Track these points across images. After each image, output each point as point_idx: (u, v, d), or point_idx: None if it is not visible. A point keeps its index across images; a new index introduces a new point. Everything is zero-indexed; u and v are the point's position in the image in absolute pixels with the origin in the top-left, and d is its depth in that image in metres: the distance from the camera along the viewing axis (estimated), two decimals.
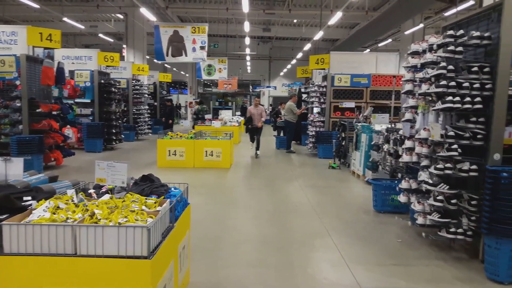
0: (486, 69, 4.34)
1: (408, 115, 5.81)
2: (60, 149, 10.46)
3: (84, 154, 12.49)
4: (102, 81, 13.94)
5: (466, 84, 4.36)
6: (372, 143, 8.38)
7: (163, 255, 2.74)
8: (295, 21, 24.68)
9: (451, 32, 4.60)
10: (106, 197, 3.20)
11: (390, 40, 25.22)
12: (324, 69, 13.48)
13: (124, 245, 2.49)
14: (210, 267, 4.24)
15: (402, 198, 5.56)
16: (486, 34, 4.36)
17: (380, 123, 8.86)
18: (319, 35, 19.41)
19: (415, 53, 5.50)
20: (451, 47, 4.53)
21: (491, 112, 4.24)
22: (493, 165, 4.13)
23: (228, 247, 4.86)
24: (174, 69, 37.62)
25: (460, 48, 4.53)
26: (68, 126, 12.56)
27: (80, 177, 5.02)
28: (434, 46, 4.88)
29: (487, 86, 4.30)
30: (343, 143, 10.91)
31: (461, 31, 4.58)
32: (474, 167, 4.34)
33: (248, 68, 35.50)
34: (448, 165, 4.46)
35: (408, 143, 5.50)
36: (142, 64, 19.20)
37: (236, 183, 8.96)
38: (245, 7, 15.33)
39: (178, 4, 20.96)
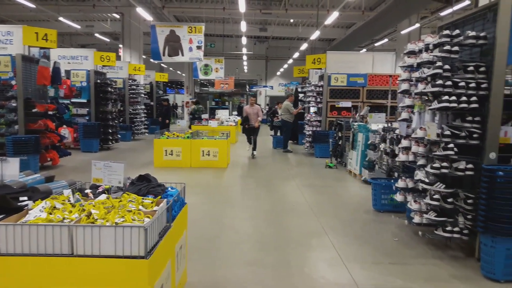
0: (482, 69, 4.36)
1: (404, 115, 5.83)
2: (56, 149, 10.42)
3: (80, 154, 12.45)
4: (98, 81, 13.89)
5: (462, 84, 4.38)
6: (369, 142, 8.40)
7: (160, 255, 2.73)
8: (291, 20, 24.68)
9: (447, 32, 4.62)
10: (103, 197, 3.19)
11: (386, 39, 25.26)
12: (320, 68, 13.49)
13: (121, 245, 2.49)
14: (207, 266, 4.24)
15: (398, 197, 5.58)
16: (482, 34, 4.38)
17: (377, 122, 8.88)
18: (315, 35, 19.42)
19: (411, 53, 5.51)
20: (447, 47, 4.55)
21: (487, 111, 4.26)
22: (489, 164, 4.15)
23: (225, 246, 4.86)
24: (171, 68, 37.56)
25: (456, 48, 4.54)
26: (64, 126, 12.53)
27: (76, 177, 5.00)
28: (430, 46, 4.89)
29: (483, 86, 4.32)
30: (339, 143, 10.93)
31: (457, 31, 4.60)
32: (470, 166, 4.36)
33: (245, 67, 35.48)
34: (445, 164, 4.48)
35: (404, 142, 5.52)
36: (139, 64, 19.16)
37: (233, 182, 8.96)
38: (242, 6, 15.33)
39: (174, 3, 20.92)
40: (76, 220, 2.66)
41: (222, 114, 18.65)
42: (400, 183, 5.51)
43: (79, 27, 22.07)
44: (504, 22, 4.12)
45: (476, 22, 4.64)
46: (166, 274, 2.89)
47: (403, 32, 19.12)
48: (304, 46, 24.56)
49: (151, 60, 16.98)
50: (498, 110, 4.22)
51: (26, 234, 2.51)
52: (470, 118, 4.39)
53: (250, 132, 12.38)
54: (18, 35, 9.61)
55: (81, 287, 2.48)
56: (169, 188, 3.59)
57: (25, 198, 3.04)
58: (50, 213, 2.75)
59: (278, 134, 15.77)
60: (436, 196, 4.57)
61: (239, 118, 18.76)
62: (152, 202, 3.11)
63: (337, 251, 4.73)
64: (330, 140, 11.36)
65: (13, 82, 9.46)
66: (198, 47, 15.50)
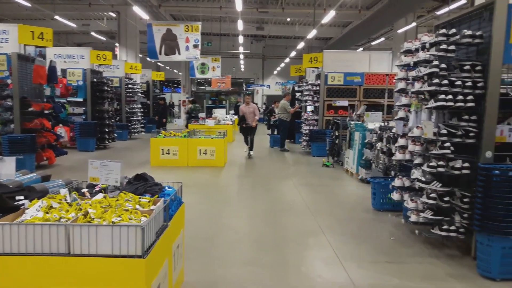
0: (478, 68, 4.38)
1: (401, 113, 5.84)
2: (52, 148, 10.38)
3: (77, 153, 12.41)
4: (95, 79, 13.85)
5: (459, 83, 4.39)
6: (366, 141, 8.42)
7: (157, 254, 2.73)
8: (288, 19, 24.68)
9: (443, 31, 4.63)
10: (100, 196, 3.18)
11: (383, 38, 25.32)
12: (317, 67, 13.50)
13: (118, 244, 2.48)
14: (205, 266, 4.24)
15: (395, 196, 5.59)
16: (478, 33, 4.39)
17: (373, 121, 8.89)
18: (312, 33, 19.43)
19: (408, 52, 5.52)
20: (444, 46, 4.56)
21: (483, 110, 4.27)
22: (485, 162, 4.16)
23: (222, 246, 4.86)
24: (167, 67, 37.49)
25: (452, 47, 4.56)
26: (61, 125, 12.49)
27: (73, 176, 4.99)
28: (427, 45, 4.90)
29: (479, 85, 4.33)
30: (336, 142, 10.95)
31: (453, 30, 4.61)
32: (466, 164, 4.38)
33: (242, 66, 35.45)
34: (441, 163, 4.49)
35: (401, 141, 5.53)
36: (135, 63, 19.11)
37: (230, 181, 8.95)
38: (239, 5, 15.31)
39: (171, 2, 20.88)
40: (73, 219, 2.65)
41: (219, 113, 18.64)
42: (397, 182, 5.52)
43: (75, 25, 21.98)
44: (500, 21, 4.14)
45: (472, 21, 4.65)
46: (163, 273, 2.88)
47: (399, 31, 19.16)
48: (301, 45, 24.57)
49: (148, 59, 16.91)
50: (494, 109, 4.23)
51: (23, 233, 2.50)
52: (466, 117, 4.40)
53: (247, 131, 12.20)
54: (13, 34, 9.56)
55: (78, 287, 2.47)
56: (166, 187, 3.58)
57: (22, 197, 3.03)
58: (47, 212, 2.74)
59: (275, 133, 15.78)
60: (433, 195, 4.58)
61: (236, 117, 18.73)
62: (149, 201, 3.10)
63: (334, 250, 4.74)
64: (327, 139, 11.37)
65: (9, 81, 9.41)
66: (195, 46, 15.46)
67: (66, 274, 2.47)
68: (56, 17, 18.59)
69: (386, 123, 7.79)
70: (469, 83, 4.36)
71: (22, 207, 2.89)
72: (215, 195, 7.52)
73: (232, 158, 11.92)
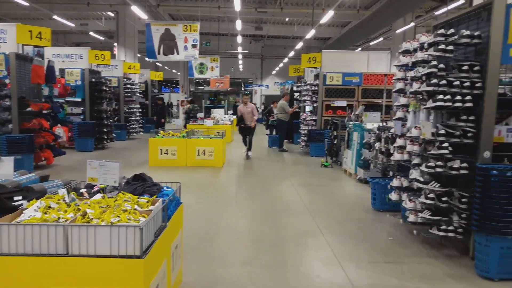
0: (476, 68, 4.39)
1: (399, 114, 5.85)
2: (50, 148, 10.37)
3: (75, 153, 12.39)
4: (93, 79, 13.83)
5: (457, 83, 4.40)
6: (364, 141, 8.43)
7: (156, 255, 2.73)
8: (287, 19, 24.69)
9: (441, 31, 4.63)
10: (98, 196, 3.18)
11: (381, 38, 25.34)
12: (316, 67, 13.51)
13: (116, 244, 2.48)
14: (203, 266, 4.24)
15: (393, 196, 5.60)
16: (476, 33, 4.40)
17: (372, 121, 8.90)
18: (311, 33, 19.44)
19: (406, 52, 5.53)
20: (442, 46, 4.56)
21: (481, 111, 4.28)
22: (483, 163, 4.17)
23: (221, 246, 4.86)
24: (166, 67, 37.46)
25: (450, 47, 4.56)
26: (59, 125, 12.47)
27: (71, 176, 4.98)
28: (425, 45, 4.91)
29: (477, 85, 4.34)
30: (335, 142, 10.95)
31: (452, 30, 4.62)
32: (464, 165, 4.39)
33: (240, 66, 35.45)
34: (439, 163, 4.50)
35: (399, 142, 5.54)
36: (133, 63, 19.09)
37: (228, 182, 8.95)
38: (237, 5, 15.31)
39: (169, 2, 20.85)
40: (71, 219, 2.65)
41: (217, 113, 18.63)
42: (395, 182, 5.53)
43: (73, 25, 21.95)
44: (498, 22, 4.15)
45: (470, 21, 4.66)
46: (162, 273, 2.88)
47: (398, 31, 19.18)
48: (299, 45, 24.57)
49: (146, 58, 16.90)
50: (492, 109, 4.24)
51: (21, 234, 2.49)
52: (464, 117, 4.41)
53: (246, 132, 12.11)
54: (11, 34, 9.55)
55: (76, 287, 2.47)
56: (165, 188, 3.58)
57: (20, 197, 3.03)
58: (45, 213, 2.73)
59: (274, 133, 15.78)
60: (431, 195, 4.59)
61: (234, 117, 18.72)
62: (147, 202, 3.10)
63: (333, 250, 4.74)
64: (326, 139, 11.37)
65: (7, 81, 9.39)
66: (193, 46, 15.46)
67: (65, 275, 2.47)
68: (55, 16, 18.57)
69: (384, 123, 7.80)
70: (467, 83, 4.37)
71: (20, 207, 2.88)
72: (213, 195, 7.52)
73: (230, 158, 11.92)
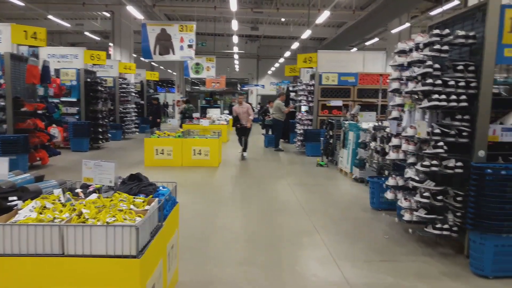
0: (471, 68, 4.41)
1: (394, 113, 5.87)
2: (45, 148, 10.32)
3: (70, 153, 12.34)
4: (89, 79, 13.78)
5: (452, 83, 4.42)
6: (359, 141, 8.45)
7: (152, 254, 2.72)
8: (283, 19, 24.68)
9: (437, 31, 4.65)
10: (94, 196, 3.17)
11: (377, 39, 25.39)
12: (312, 67, 13.53)
13: (112, 244, 2.47)
14: (199, 266, 4.24)
15: (389, 195, 5.62)
16: (471, 34, 4.42)
17: (367, 121, 8.93)
18: (306, 34, 19.45)
19: (402, 52, 5.55)
20: (437, 46, 4.58)
21: (476, 110, 4.31)
22: (478, 162, 4.20)
23: (217, 246, 4.86)
24: (161, 67, 37.37)
25: (446, 47, 4.58)
26: (54, 125, 12.40)
27: (66, 176, 4.97)
28: (421, 45, 4.93)
29: (472, 84, 4.36)
30: (330, 141, 10.98)
31: (447, 30, 4.64)
32: (459, 164, 4.41)
33: (236, 66, 35.42)
34: (434, 162, 4.52)
35: (394, 141, 5.56)
36: (129, 63, 19.04)
37: (224, 181, 8.95)
38: (233, 5, 15.30)
39: (165, 2, 20.80)
40: (66, 219, 2.64)
41: (213, 113, 18.62)
42: (391, 181, 5.55)
43: (68, 25, 21.84)
44: (493, 22, 4.17)
45: (465, 22, 4.68)
46: (158, 273, 2.88)
47: (393, 31, 19.24)
48: (295, 45, 24.57)
49: (142, 58, 16.85)
50: (487, 109, 4.27)
51: (16, 234, 2.48)
52: (459, 116, 4.43)
53: (242, 132, 11.97)
54: (6, 34, 9.49)
55: (72, 287, 2.46)
56: (161, 187, 3.57)
57: (15, 198, 3.01)
58: (40, 213, 2.72)
59: (270, 133, 15.79)
60: (426, 194, 4.61)
61: (230, 117, 18.72)
62: (143, 201, 3.10)
63: (329, 249, 4.75)
64: (321, 138, 11.39)
65: (2, 81, 9.33)
66: (189, 46, 15.42)
67: (61, 275, 2.46)
68: (50, 16, 18.47)
69: (380, 123, 7.82)
70: (462, 83, 4.39)
71: (15, 207, 2.87)
72: (209, 195, 7.52)
73: (226, 158, 11.92)
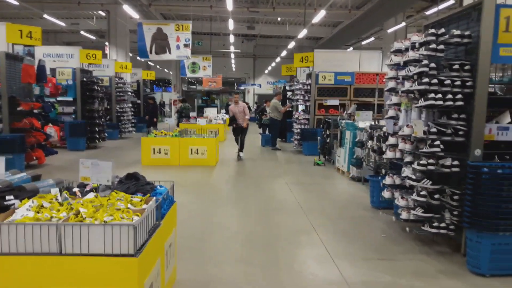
0: (467, 67, 4.43)
1: (391, 112, 5.89)
2: (42, 147, 10.28)
3: (67, 152, 12.30)
4: (85, 79, 13.72)
5: (448, 82, 4.44)
6: (356, 140, 8.47)
7: (150, 253, 2.73)
8: (279, 19, 24.68)
9: (432, 30, 4.67)
10: (91, 195, 3.16)
11: (373, 38, 25.46)
12: (308, 67, 13.54)
13: (110, 243, 2.47)
14: (197, 265, 4.24)
15: (386, 194, 5.65)
16: (467, 33, 4.44)
17: (364, 120, 8.95)
18: (303, 33, 19.49)
19: (398, 51, 5.57)
20: (433, 45, 4.59)
21: (472, 109, 4.32)
22: (474, 160, 4.21)
23: (215, 245, 4.86)
24: (158, 66, 37.31)
25: (441, 46, 4.59)
26: (50, 125, 12.37)
27: (63, 176, 4.94)
28: (417, 44, 4.94)
29: (468, 84, 4.38)
30: (327, 140, 11.00)
31: (442, 30, 4.65)
32: (456, 162, 4.43)
33: (233, 66, 35.42)
34: (431, 161, 4.53)
35: (391, 140, 5.58)
36: (125, 62, 18.97)
37: (221, 181, 8.95)
38: (229, 5, 15.29)
39: (161, 1, 20.74)
40: (64, 218, 2.63)
41: (210, 112, 18.60)
42: (388, 180, 5.57)
43: (64, 24, 21.76)
44: (488, 21, 4.19)
45: (461, 21, 4.70)
46: (156, 272, 2.88)
47: (389, 30, 19.29)
48: (291, 44, 24.60)
49: (138, 58, 16.82)
50: (483, 108, 4.28)
51: (13, 233, 2.47)
52: (455, 115, 4.45)
53: (238, 132, 11.86)
54: (1, 33, 9.44)
55: (70, 286, 2.46)
56: (158, 186, 3.57)
57: (12, 197, 3.00)
58: (38, 212, 2.72)
59: (267, 132, 15.80)
60: (423, 193, 4.63)
61: (227, 116, 18.72)
62: (141, 201, 3.10)
63: (326, 248, 4.76)
64: (318, 138, 11.41)
65: None
66: (186, 45, 15.44)
67: (58, 274, 2.46)
68: (45, 15, 18.41)
69: (376, 122, 7.85)
70: (458, 82, 4.41)
71: (12, 206, 2.86)
72: (207, 194, 7.51)
73: (223, 157, 11.91)
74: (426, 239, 4.97)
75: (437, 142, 4.49)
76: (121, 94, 18.11)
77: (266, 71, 36.97)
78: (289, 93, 16.70)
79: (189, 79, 39.56)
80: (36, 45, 10.16)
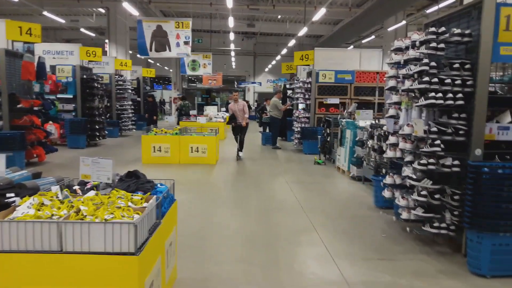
0: (467, 66, 4.42)
1: (391, 111, 5.88)
2: (42, 145, 10.28)
3: (67, 150, 12.30)
4: (85, 76, 13.72)
5: (448, 81, 4.43)
6: (357, 139, 8.47)
7: (150, 252, 2.72)
8: (279, 17, 24.67)
9: (433, 29, 4.66)
10: (92, 193, 3.16)
11: (373, 36, 25.44)
12: (308, 65, 13.53)
13: (110, 241, 2.47)
14: (197, 264, 4.24)
15: (386, 193, 5.64)
16: (467, 32, 4.43)
17: (364, 119, 8.94)
18: (303, 31, 19.46)
19: (398, 50, 5.56)
20: (433, 44, 4.58)
21: (472, 108, 4.31)
22: (474, 160, 4.20)
23: (214, 244, 4.86)
24: (158, 64, 37.23)
25: (442, 45, 4.58)
26: (50, 122, 12.35)
27: (63, 173, 4.94)
28: (417, 43, 4.93)
29: (468, 83, 4.37)
30: (328, 139, 10.99)
31: (443, 28, 4.64)
32: (456, 162, 4.42)
33: (233, 63, 35.37)
34: (431, 160, 4.53)
35: (392, 139, 5.58)
36: (125, 59, 18.95)
37: (222, 179, 8.94)
38: (229, 2, 15.26)
39: None
40: (65, 216, 2.63)
41: (210, 110, 18.59)
42: (388, 180, 5.57)
43: (63, 21, 21.70)
44: (488, 20, 4.17)
45: (461, 20, 4.69)
46: (156, 270, 2.88)
47: (389, 29, 19.28)
48: (291, 42, 24.58)
49: (138, 55, 16.80)
50: (483, 107, 4.27)
51: (14, 230, 2.47)
52: (456, 114, 4.44)
53: (238, 131, 11.70)
54: (1, 30, 9.40)
55: (71, 284, 2.46)
56: (158, 185, 3.57)
57: (12, 194, 3.00)
58: (39, 210, 2.72)
59: (267, 130, 15.78)
60: (424, 192, 4.62)
61: (228, 114, 18.72)
62: (141, 199, 3.09)
63: (327, 247, 4.76)
64: (319, 136, 11.41)
65: None
66: (186, 43, 15.42)
67: (59, 272, 2.46)
68: (44, 12, 18.35)
69: (377, 121, 7.84)
70: (458, 81, 4.40)
71: (13, 204, 2.86)
72: (207, 193, 7.51)
73: (224, 156, 11.91)
74: (426, 239, 4.97)
75: (438, 142, 4.48)
76: (121, 91, 18.10)
77: (266, 69, 36.92)
78: (289, 92, 16.69)
79: (189, 77, 39.51)
80: (35, 42, 10.13)
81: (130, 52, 21.75)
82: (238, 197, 7.30)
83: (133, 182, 3.47)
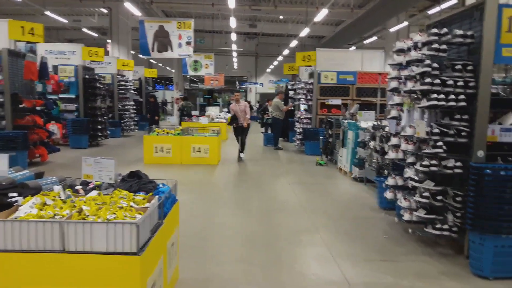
0: (470, 67, 4.41)
1: (393, 112, 5.88)
2: (44, 145, 10.29)
3: (70, 150, 12.32)
4: (87, 76, 13.75)
5: (450, 82, 4.42)
6: (359, 140, 8.46)
7: (152, 252, 2.73)
8: (281, 17, 24.65)
9: (435, 30, 4.65)
10: (94, 193, 3.17)
11: (375, 37, 25.41)
12: (310, 66, 13.52)
13: (113, 241, 2.48)
14: (199, 264, 4.24)
15: (388, 195, 5.63)
16: (469, 33, 4.42)
17: (366, 120, 8.94)
18: (305, 32, 19.46)
19: (400, 51, 5.54)
20: (436, 45, 4.57)
21: (475, 110, 4.31)
22: (477, 162, 4.20)
23: (216, 244, 4.86)
24: (160, 64, 37.26)
25: (444, 46, 4.58)
26: (53, 122, 12.39)
27: (66, 173, 4.95)
28: (419, 44, 4.92)
29: (471, 84, 4.37)
30: (330, 140, 10.98)
31: (445, 29, 4.63)
32: (458, 164, 4.41)
33: (235, 64, 35.37)
34: (434, 162, 4.52)
35: (394, 140, 5.57)
36: (127, 60, 18.98)
37: (223, 180, 8.95)
38: (231, 2, 15.26)
39: None
40: (67, 216, 2.64)
41: (212, 111, 18.59)
42: (390, 181, 5.56)
43: (66, 21, 21.75)
44: (491, 21, 4.17)
45: (463, 21, 4.68)
46: (158, 270, 2.88)
47: (391, 30, 19.27)
48: (293, 43, 24.57)
49: (140, 55, 16.81)
50: (486, 109, 4.27)
51: (17, 230, 2.48)
52: (458, 116, 4.43)
53: (239, 131, 11.57)
54: (3, 29, 9.42)
55: (73, 284, 2.47)
56: (160, 185, 3.57)
57: (15, 194, 3.01)
58: (41, 209, 2.72)
59: (269, 131, 15.78)
60: (426, 194, 4.61)
61: (230, 115, 18.72)
62: (143, 199, 3.10)
63: (328, 248, 4.76)
64: (321, 137, 11.40)
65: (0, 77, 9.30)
66: (188, 43, 15.40)
67: (61, 271, 2.46)
68: (47, 12, 18.39)
69: (379, 122, 7.82)
70: (460, 83, 4.40)
71: (15, 204, 2.87)
72: (209, 193, 7.52)
73: (225, 156, 11.91)
74: (428, 241, 4.96)
75: (440, 143, 4.48)
76: (123, 92, 18.13)
77: (268, 70, 36.92)
78: (291, 92, 16.68)
79: (191, 77, 39.52)
80: (38, 42, 10.14)
81: (132, 52, 21.78)
82: (239, 198, 7.30)
83: (135, 182, 3.48)
